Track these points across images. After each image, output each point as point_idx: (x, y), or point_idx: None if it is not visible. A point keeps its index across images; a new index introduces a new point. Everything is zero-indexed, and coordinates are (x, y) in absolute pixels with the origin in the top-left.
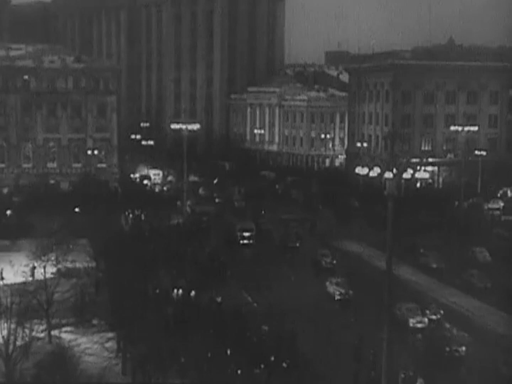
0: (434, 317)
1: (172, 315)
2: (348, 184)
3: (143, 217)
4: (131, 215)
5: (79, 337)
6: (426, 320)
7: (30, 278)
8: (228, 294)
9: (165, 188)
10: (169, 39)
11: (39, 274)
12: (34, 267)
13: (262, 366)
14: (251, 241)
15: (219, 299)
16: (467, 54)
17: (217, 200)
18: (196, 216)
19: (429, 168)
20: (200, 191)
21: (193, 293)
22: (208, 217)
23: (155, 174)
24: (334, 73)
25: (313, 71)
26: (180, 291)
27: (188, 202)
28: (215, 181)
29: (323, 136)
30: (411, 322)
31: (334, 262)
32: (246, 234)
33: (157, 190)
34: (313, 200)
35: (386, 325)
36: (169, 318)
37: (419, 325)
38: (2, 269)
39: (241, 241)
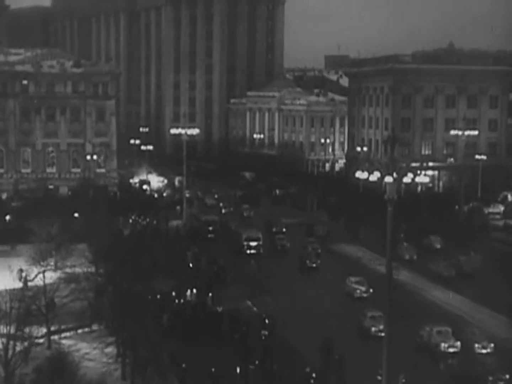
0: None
1: (172, 320)
2: (347, 188)
3: (142, 222)
4: (130, 220)
5: (79, 342)
6: (459, 344)
7: (18, 282)
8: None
9: (164, 194)
10: (169, 43)
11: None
12: (21, 270)
13: None
14: (258, 251)
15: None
16: (467, 58)
17: (223, 211)
18: (201, 225)
19: (430, 172)
20: (200, 196)
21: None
22: (214, 227)
23: (159, 181)
24: (334, 77)
25: (312, 75)
26: (182, 298)
27: (192, 210)
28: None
29: (322, 140)
30: (443, 346)
31: (371, 291)
32: (253, 243)
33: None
34: (309, 203)
35: (387, 326)
36: (169, 323)
37: (451, 350)
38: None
39: (248, 251)
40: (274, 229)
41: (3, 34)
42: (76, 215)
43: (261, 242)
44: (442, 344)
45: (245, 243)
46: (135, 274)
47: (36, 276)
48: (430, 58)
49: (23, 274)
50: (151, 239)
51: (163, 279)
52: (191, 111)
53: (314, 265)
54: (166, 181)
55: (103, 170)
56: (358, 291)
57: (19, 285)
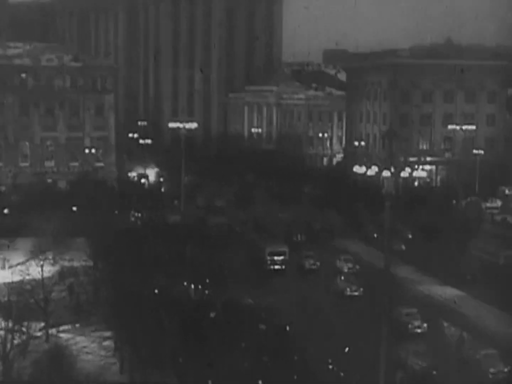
0: None
1: (170, 315)
2: (344, 184)
3: (141, 216)
4: (130, 215)
5: (77, 336)
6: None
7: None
8: None
9: (162, 190)
10: (167, 38)
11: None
12: (4, 258)
13: None
14: (283, 267)
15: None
16: (465, 53)
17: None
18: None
19: (427, 167)
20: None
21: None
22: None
23: (158, 176)
24: (332, 72)
25: (311, 70)
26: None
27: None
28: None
29: (320, 135)
30: (491, 371)
31: (425, 325)
32: (278, 258)
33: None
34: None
35: (385, 325)
36: (167, 318)
37: (500, 376)
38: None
39: (272, 267)
40: (294, 238)
41: (2, 27)
42: (74, 209)
43: (287, 257)
44: (491, 369)
45: (269, 257)
46: (132, 269)
47: (20, 263)
48: (428, 53)
49: (6, 263)
50: (149, 235)
51: (159, 275)
52: (190, 106)
53: (356, 293)
54: (164, 175)
55: (101, 164)
56: (410, 325)
57: (18, 278)
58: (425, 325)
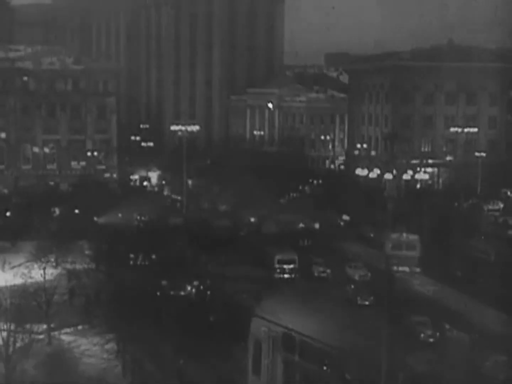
0: None
1: (172, 317)
2: (347, 187)
3: (143, 219)
4: (133, 218)
5: (79, 339)
6: None
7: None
8: None
9: (165, 192)
10: (169, 40)
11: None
12: (6, 261)
13: None
14: (292, 276)
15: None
16: (467, 55)
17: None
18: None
19: (429, 169)
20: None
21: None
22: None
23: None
24: (333, 74)
25: (312, 73)
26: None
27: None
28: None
29: (322, 137)
30: (501, 378)
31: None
32: (288, 266)
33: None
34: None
35: (385, 324)
36: (169, 320)
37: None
38: None
39: (281, 275)
40: (300, 243)
41: (4, 30)
42: (76, 211)
43: (297, 265)
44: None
45: (278, 265)
46: (133, 271)
47: (22, 266)
48: (430, 55)
49: (8, 266)
50: (151, 238)
51: (162, 278)
52: (191, 108)
53: (367, 302)
54: (166, 178)
55: (103, 167)
56: (422, 334)
57: (19, 281)
58: (437, 334)
